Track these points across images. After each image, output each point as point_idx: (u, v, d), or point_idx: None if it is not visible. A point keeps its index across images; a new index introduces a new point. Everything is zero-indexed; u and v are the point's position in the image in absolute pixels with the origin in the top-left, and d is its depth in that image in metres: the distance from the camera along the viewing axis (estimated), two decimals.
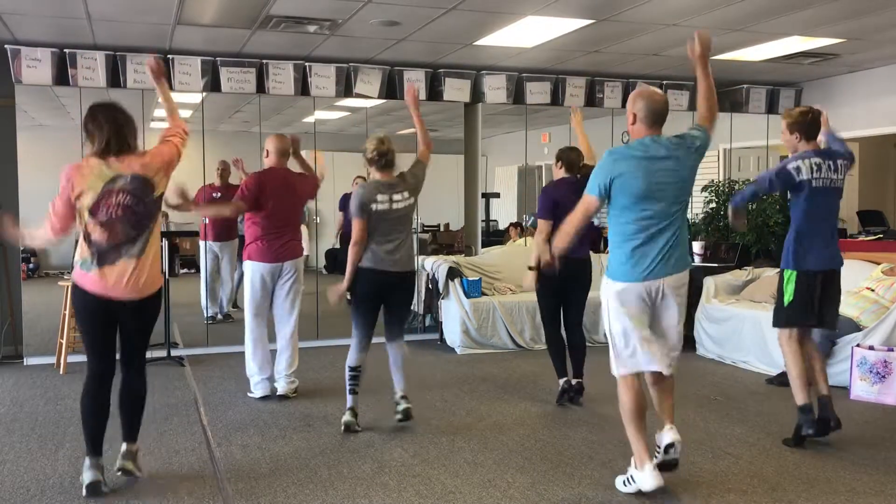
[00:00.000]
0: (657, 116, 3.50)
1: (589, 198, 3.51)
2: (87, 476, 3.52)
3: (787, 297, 4.26)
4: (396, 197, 4.40)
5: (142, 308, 3.58)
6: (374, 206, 4.32)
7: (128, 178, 3.46)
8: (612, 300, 3.53)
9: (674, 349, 3.59)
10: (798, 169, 4.18)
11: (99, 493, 3.50)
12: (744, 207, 4.46)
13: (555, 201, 4.92)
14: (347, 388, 4.57)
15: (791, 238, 4.26)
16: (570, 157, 5.08)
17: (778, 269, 4.40)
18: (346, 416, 4.57)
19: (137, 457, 3.72)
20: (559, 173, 5.11)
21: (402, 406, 4.61)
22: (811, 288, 4.22)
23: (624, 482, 3.60)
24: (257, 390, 5.29)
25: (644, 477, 3.46)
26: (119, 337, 3.62)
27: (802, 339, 4.35)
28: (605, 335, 3.70)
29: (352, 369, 4.55)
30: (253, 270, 5.16)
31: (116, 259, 3.46)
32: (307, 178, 5.44)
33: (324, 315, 7.26)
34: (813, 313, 4.26)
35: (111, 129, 3.46)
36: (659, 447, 3.62)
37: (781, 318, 4.34)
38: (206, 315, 7.32)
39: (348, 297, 4.52)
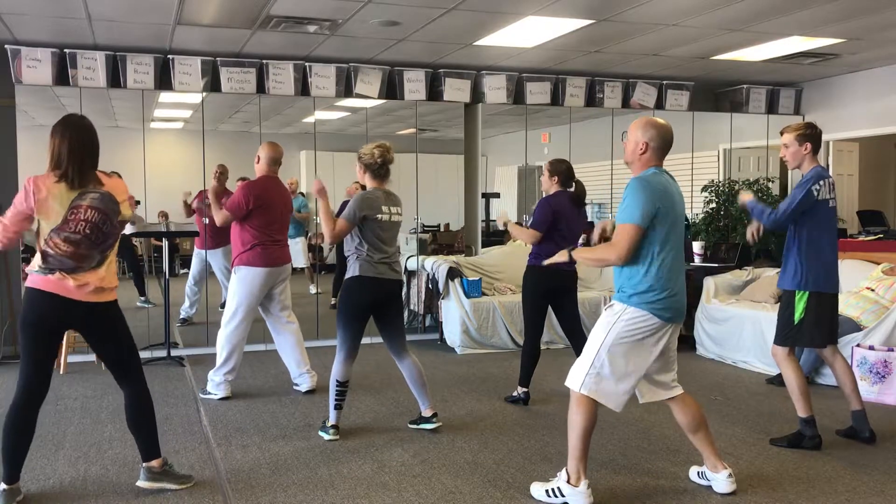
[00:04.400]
0: (669, 148, 3.41)
1: (631, 227, 3.24)
2: None
3: (798, 314, 4.16)
4: (394, 210, 4.38)
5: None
6: (379, 216, 4.28)
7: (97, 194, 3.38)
8: (633, 330, 3.32)
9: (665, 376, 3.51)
10: (818, 190, 4.09)
11: None
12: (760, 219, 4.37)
13: (555, 212, 4.91)
14: (333, 403, 4.39)
15: (802, 258, 4.13)
16: (564, 170, 5.04)
17: (777, 271, 4.37)
18: (331, 435, 4.38)
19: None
20: (554, 187, 5.03)
21: (434, 425, 4.51)
22: (822, 311, 4.16)
23: (548, 492, 3.46)
24: (219, 391, 5.26)
25: (578, 495, 3.37)
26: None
27: (833, 355, 4.31)
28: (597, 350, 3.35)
29: (340, 384, 4.36)
30: (254, 275, 5.13)
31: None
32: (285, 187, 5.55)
33: (323, 315, 7.26)
34: (822, 335, 4.21)
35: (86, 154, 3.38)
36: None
37: (790, 337, 4.22)
38: (180, 317, 7.37)
39: (333, 302, 4.48)
